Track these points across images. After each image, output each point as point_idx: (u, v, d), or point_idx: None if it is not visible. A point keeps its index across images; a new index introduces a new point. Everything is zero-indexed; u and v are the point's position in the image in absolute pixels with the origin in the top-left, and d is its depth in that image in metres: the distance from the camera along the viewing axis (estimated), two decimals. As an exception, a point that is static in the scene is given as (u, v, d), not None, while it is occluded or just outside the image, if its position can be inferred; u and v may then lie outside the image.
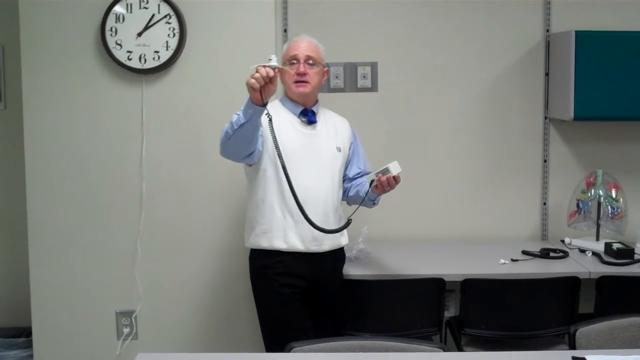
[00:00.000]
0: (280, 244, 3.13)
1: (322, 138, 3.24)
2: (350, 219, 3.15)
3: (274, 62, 2.83)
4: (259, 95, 2.81)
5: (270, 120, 2.97)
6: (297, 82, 3.17)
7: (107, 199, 3.80)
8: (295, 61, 3.18)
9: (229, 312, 3.88)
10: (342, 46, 4.05)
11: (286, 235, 3.12)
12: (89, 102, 3.76)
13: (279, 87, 3.09)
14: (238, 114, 2.92)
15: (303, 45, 3.20)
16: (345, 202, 3.38)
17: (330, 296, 3.28)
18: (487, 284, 3.40)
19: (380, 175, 3.07)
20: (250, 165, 3.16)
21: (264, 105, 2.85)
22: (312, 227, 3.00)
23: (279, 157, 2.99)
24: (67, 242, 3.80)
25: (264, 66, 2.80)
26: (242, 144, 2.99)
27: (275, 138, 2.99)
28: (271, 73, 2.80)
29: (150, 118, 3.76)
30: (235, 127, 2.91)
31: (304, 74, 3.17)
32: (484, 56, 4.15)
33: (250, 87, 2.81)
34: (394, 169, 3.04)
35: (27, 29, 3.71)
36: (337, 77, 4.09)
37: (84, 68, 3.74)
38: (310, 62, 3.18)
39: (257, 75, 2.79)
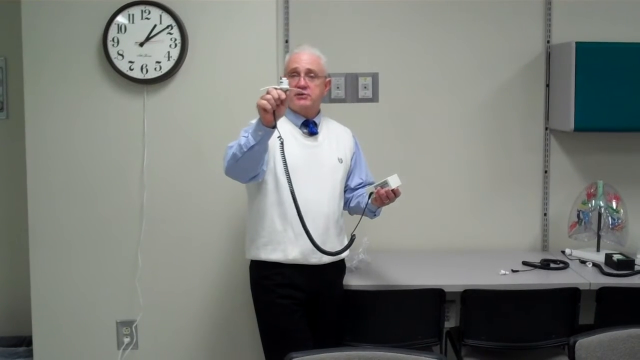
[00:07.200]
0: (279, 257, 3.12)
1: (324, 149, 3.24)
2: (354, 235, 3.12)
3: (285, 85, 2.85)
4: (271, 117, 2.81)
5: (282, 144, 2.92)
6: (297, 94, 3.16)
7: (108, 209, 3.81)
8: (295, 74, 3.18)
9: (230, 323, 3.88)
10: (344, 57, 4.06)
11: (286, 248, 3.12)
12: (90, 112, 3.77)
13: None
14: (246, 136, 2.90)
15: (304, 58, 3.19)
16: (346, 212, 3.38)
17: (330, 307, 3.28)
18: (487, 294, 3.40)
19: (379, 188, 3.06)
20: (253, 180, 3.16)
21: (274, 127, 2.85)
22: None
23: (289, 183, 2.92)
24: (68, 252, 3.81)
25: (276, 88, 2.81)
26: (250, 165, 2.98)
27: (286, 164, 2.93)
28: (283, 96, 2.81)
29: (152, 128, 3.78)
30: (245, 150, 2.89)
31: (305, 87, 3.17)
32: (484, 67, 4.16)
33: (262, 109, 2.81)
34: (393, 182, 3.02)
35: (30, 39, 3.73)
36: (338, 87, 4.10)
37: (86, 78, 3.75)
38: (311, 75, 3.18)
39: (269, 96, 2.79)
